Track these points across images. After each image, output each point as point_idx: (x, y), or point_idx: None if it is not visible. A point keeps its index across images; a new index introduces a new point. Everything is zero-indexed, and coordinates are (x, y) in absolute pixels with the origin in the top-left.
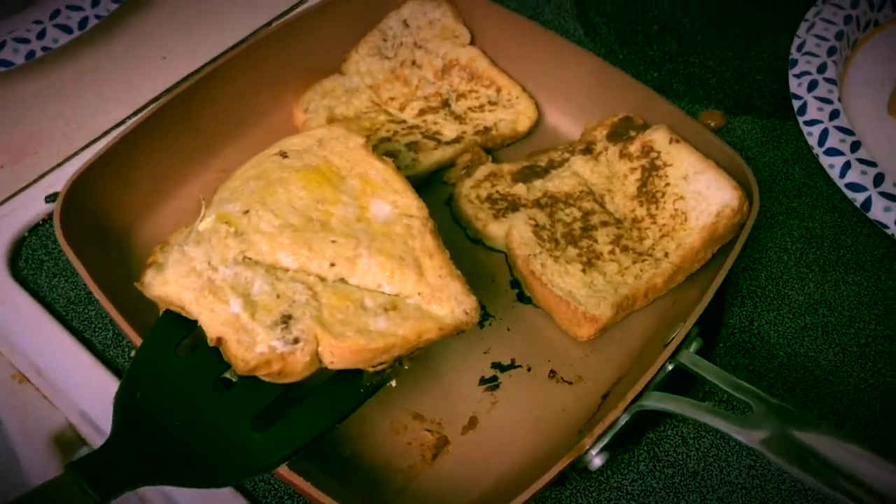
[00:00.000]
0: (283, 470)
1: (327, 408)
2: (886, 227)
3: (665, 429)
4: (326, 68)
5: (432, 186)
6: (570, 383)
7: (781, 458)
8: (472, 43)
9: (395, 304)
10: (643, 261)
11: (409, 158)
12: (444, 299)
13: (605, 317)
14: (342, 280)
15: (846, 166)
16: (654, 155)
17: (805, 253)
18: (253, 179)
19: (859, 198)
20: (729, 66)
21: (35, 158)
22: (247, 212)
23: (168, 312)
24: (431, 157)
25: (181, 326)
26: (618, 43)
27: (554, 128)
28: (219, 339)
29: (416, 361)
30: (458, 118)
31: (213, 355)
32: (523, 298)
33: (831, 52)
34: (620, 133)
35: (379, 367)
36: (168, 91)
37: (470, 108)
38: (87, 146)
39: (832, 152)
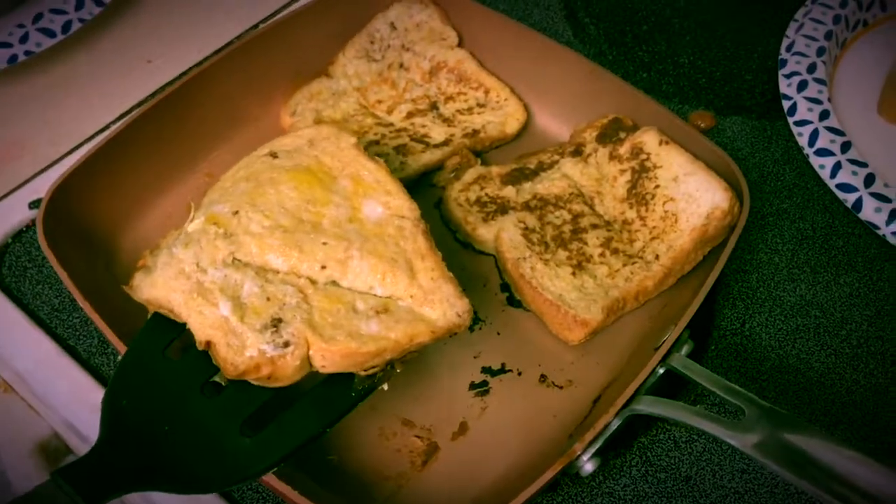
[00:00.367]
0: (270, 478)
1: (317, 412)
2: (877, 227)
3: (657, 433)
4: (313, 71)
5: (421, 190)
6: (561, 388)
7: (774, 462)
8: (460, 45)
9: (386, 306)
10: (633, 263)
11: (398, 162)
12: (436, 302)
13: (595, 320)
14: (333, 282)
15: (837, 167)
16: (643, 157)
17: (796, 254)
18: (243, 180)
19: (850, 198)
20: (718, 67)
21: (19, 164)
22: (236, 213)
23: (156, 315)
24: (420, 161)
25: (170, 329)
26: (607, 44)
27: (543, 130)
28: (208, 343)
29: (407, 366)
30: (447, 121)
31: (202, 359)
32: (513, 302)
33: (820, 52)
34: (610, 135)
35: (370, 371)
36: (154, 95)
37: (458, 111)
38: (71, 151)
39: (822, 153)
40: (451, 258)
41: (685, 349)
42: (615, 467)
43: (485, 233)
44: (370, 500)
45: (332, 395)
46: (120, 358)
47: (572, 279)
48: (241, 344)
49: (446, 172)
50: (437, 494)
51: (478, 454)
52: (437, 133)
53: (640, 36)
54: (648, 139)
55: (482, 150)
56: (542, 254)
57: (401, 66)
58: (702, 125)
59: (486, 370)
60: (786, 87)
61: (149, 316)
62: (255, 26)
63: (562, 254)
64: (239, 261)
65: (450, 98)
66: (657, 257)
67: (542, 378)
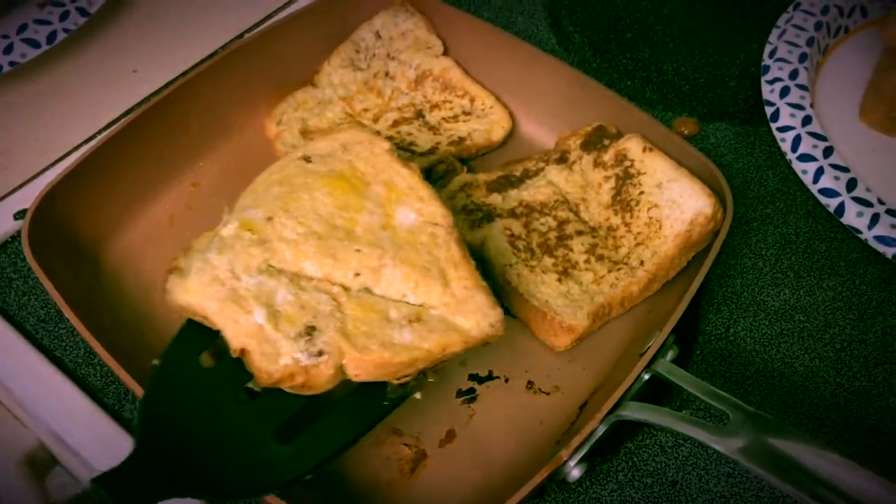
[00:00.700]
0: None
1: (350, 420)
2: (860, 231)
3: (643, 438)
4: (299, 80)
5: None
6: (548, 394)
7: (759, 467)
8: (446, 53)
9: (419, 315)
10: (619, 269)
11: None
12: (469, 311)
13: (581, 326)
14: (367, 290)
15: (819, 172)
16: (627, 163)
17: (780, 259)
18: (276, 185)
19: (832, 203)
20: (702, 74)
21: (4, 174)
22: (270, 219)
23: (190, 322)
24: None
25: (203, 336)
26: (591, 51)
27: (528, 137)
28: (242, 351)
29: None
30: (433, 129)
31: (236, 366)
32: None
33: (803, 58)
34: (594, 142)
35: (403, 380)
36: (139, 105)
37: (444, 119)
38: (57, 161)
39: (805, 158)
40: None
41: (670, 354)
42: (602, 473)
43: (471, 240)
44: None
45: (365, 404)
46: (154, 364)
47: (558, 285)
48: (275, 352)
49: (432, 180)
50: (425, 501)
51: (465, 461)
52: (423, 141)
53: (624, 43)
54: (632, 146)
55: (468, 158)
56: (528, 261)
57: (386, 74)
58: (685, 131)
59: (473, 377)
60: (768, 93)
61: (182, 322)
62: (241, 36)
63: (547, 260)
64: (273, 267)
65: (435, 106)
66: (642, 263)
67: (529, 384)
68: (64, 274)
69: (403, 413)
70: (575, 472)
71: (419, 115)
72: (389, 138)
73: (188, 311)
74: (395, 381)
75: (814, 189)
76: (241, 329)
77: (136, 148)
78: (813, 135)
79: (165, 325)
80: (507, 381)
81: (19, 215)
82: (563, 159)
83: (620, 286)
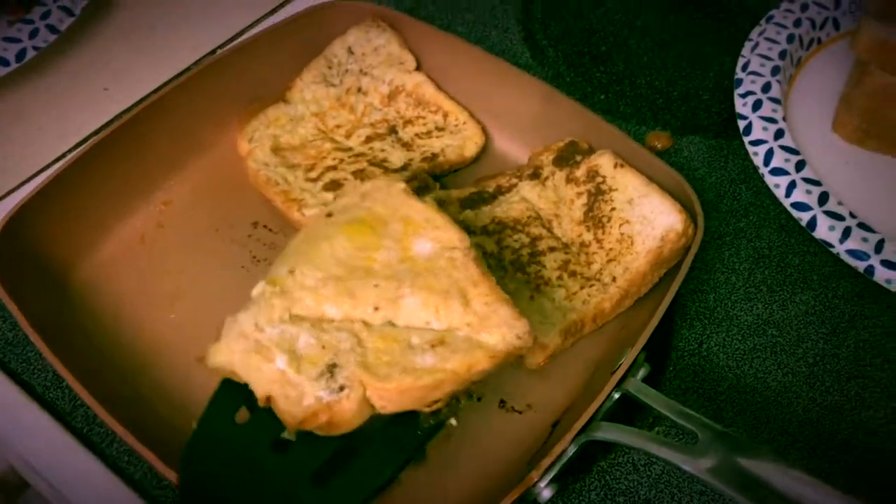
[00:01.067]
0: None
1: (386, 455)
2: (831, 245)
3: (616, 456)
4: (271, 96)
5: None
6: (520, 412)
7: (728, 487)
8: (419, 69)
9: (443, 339)
10: (591, 286)
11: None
12: (493, 326)
13: (553, 343)
14: (389, 323)
15: (791, 185)
16: (599, 179)
17: (753, 273)
18: (302, 242)
19: (804, 217)
20: (675, 87)
21: None
22: (292, 271)
23: (225, 382)
24: None
25: (237, 394)
26: (565, 66)
27: (501, 153)
28: (268, 398)
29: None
30: (406, 145)
31: (269, 418)
32: None
33: (775, 71)
34: (566, 158)
35: (434, 407)
36: (110, 123)
37: (417, 135)
38: (26, 181)
39: (777, 172)
40: None
41: (641, 372)
42: (574, 492)
43: None
44: None
45: (398, 436)
46: (192, 427)
47: (530, 303)
48: (298, 394)
49: None
50: None
51: (437, 483)
52: (396, 157)
53: (598, 57)
54: (604, 162)
55: (441, 174)
56: (500, 278)
57: (359, 90)
58: (659, 145)
59: None
60: (741, 106)
61: (218, 384)
62: (213, 52)
63: (520, 277)
64: (295, 316)
65: (408, 122)
66: (614, 279)
67: (502, 403)
68: (32, 296)
69: None
70: (546, 493)
71: (392, 130)
72: (362, 154)
73: (220, 371)
74: (427, 409)
75: (786, 203)
76: (264, 377)
77: (106, 167)
78: (785, 148)
79: (134, 347)
80: (479, 399)
81: None
82: (535, 175)
83: (592, 303)
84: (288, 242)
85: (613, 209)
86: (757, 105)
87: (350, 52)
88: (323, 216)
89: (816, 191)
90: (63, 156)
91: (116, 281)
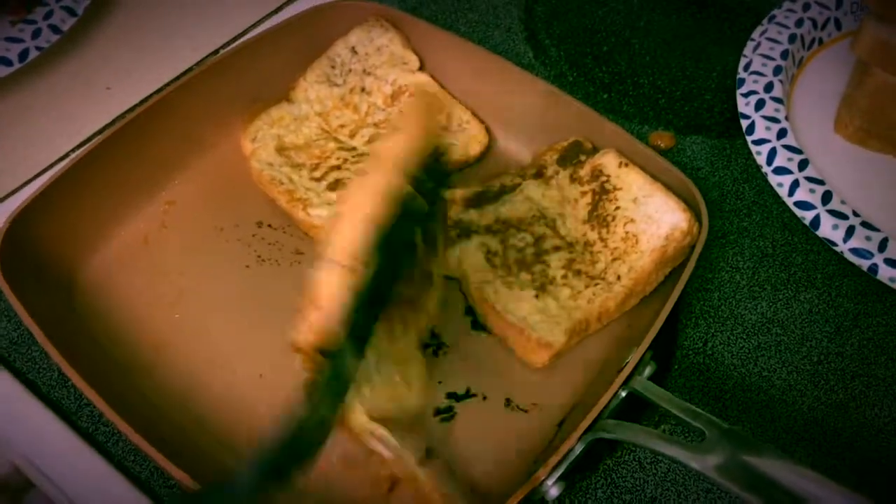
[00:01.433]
0: None
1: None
2: (835, 244)
3: (622, 455)
4: (274, 96)
5: None
6: (526, 411)
7: (734, 484)
8: (422, 69)
9: None
10: (596, 285)
11: None
12: None
13: (558, 343)
14: None
15: (794, 185)
16: (603, 179)
17: (757, 272)
18: None
19: (808, 216)
20: (678, 87)
21: None
22: None
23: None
24: None
25: None
26: (567, 65)
27: (505, 152)
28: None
29: None
30: None
31: None
32: (478, 326)
33: (777, 70)
34: (570, 157)
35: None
36: (113, 122)
37: None
38: (29, 181)
39: (780, 171)
40: None
41: (647, 371)
42: (581, 490)
43: (448, 257)
44: None
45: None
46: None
47: (535, 302)
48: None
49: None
50: None
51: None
52: None
53: (601, 57)
54: (608, 161)
55: None
56: (505, 277)
57: (362, 90)
58: (662, 145)
59: (451, 395)
60: (744, 105)
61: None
62: (216, 52)
63: (525, 276)
64: None
65: None
66: (619, 278)
67: (507, 402)
68: (36, 295)
69: None
70: (553, 491)
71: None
72: (366, 154)
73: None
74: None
75: (789, 202)
76: None
77: (109, 167)
78: (788, 147)
79: (139, 346)
80: (484, 398)
81: None
82: (539, 174)
83: (597, 302)
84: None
85: (618, 208)
86: (759, 105)
87: (353, 51)
88: None
89: (820, 190)
90: (66, 156)
91: (120, 281)
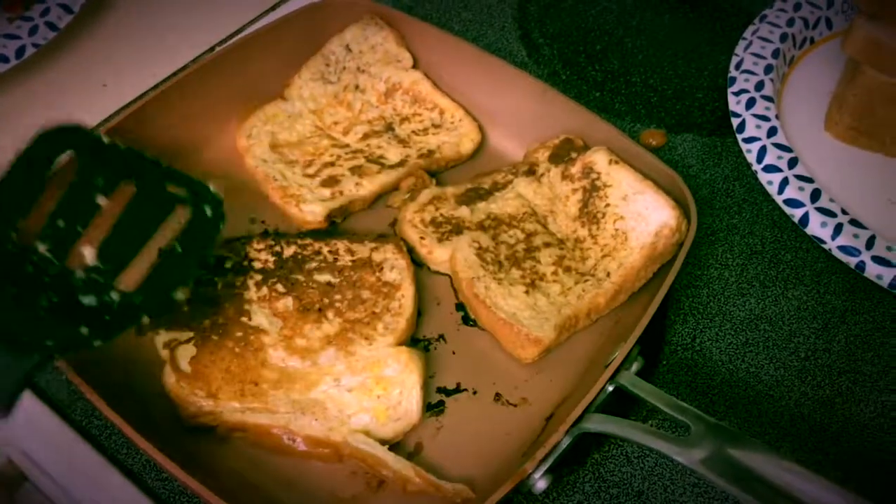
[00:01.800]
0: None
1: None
2: (823, 241)
3: (610, 449)
4: (269, 94)
5: (377, 210)
6: (515, 406)
7: (720, 478)
8: (415, 67)
9: None
10: (585, 281)
11: (353, 183)
12: None
13: (548, 338)
14: None
15: (784, 182)
16: (594, 176)
17: (746, 269)
18: None
19: (797, 213)
20: (670, 85)
21: None
22: None
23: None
24: (375, 181)
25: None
26: (560, 63)
27: (497, 150)
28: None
29: None
30: (402, 142)
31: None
32: (468, 321)
33: (768, 69)
34: (562, 155)
35: None
36: (109, 119)
37: (413, 132)
38: None
39: (770, 169)
40: None
41: (635, 366)
42: (568, 484)
43: (440, 253)
44: None
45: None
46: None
47: (525, 297)
48: None
49: (401, 194)
50: None
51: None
52: (393, 154)
53: (594, 55)
54: (598, 159)
55: (437, 171)
56: (495, 273)
57: (356, 87)
58: (653, 143)
59: (441, 390)
60: (735, 104)
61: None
62: (212, 49)
63: (515, 273)
64: None
65: (405, 119)
66: (608, 275)
67: (497, 396)
68: None
69: None
70: (541, 484)
71: (389, 127)
72: (359, 151)
73: None
74: None
75: (779, 200)
76: None
77: None
78: (778, 146)
79: (133, 341)
80: (474, 393)
81: None
82: (531, 172)
83: (587, 298)
84: None
85: (608, 205)
86: (750, 103)
87: (348, 49)
88: None
89: (809, 188)
90: None
91: None
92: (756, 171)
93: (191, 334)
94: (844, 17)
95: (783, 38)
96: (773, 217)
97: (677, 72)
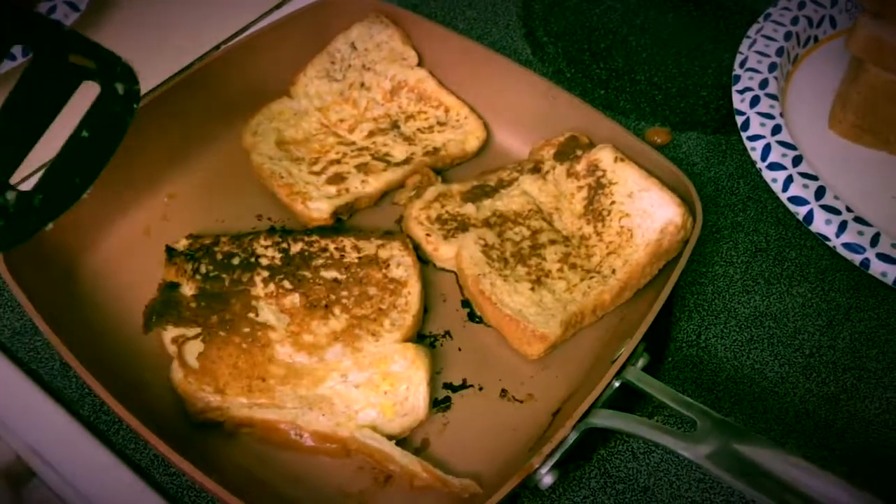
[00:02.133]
0: (230, 497)
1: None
2: (828, 239)
3: (616, 444)
4: (275, 91)
5: (383, 208)
6: (521, 402)
7: (726, 473)
8: (420, 64)
9: None
10: (591, 278)
11: (359, 180)
12: None
13: (553, 334)
14: None
15: (788, 180)
16: (599, 173)
17: (750, 266)
18: None
19: (801, 211)
20: (674, 83)
21: None
22: None
23: None
24: (381, 179)
25: None
26: (565, 62)
27: (502, 147)
28: None
29: None
30: (408, 139)
31: None
32: (474, 318)
33: (772, 68)
34: (567, 152)
35: None
36: None
37: (419, 129)
38: (32, 173)
39: (775, 167)
40: None
41: (641, 362)
42: (574, 479)
43: (446, 250)
44: None
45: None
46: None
47: (531, 294)
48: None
49: (407, 191)
50: None
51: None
52: (399, 151)
53: (598, 54)
54: (604, 156)
55: (443, 168)
56: (501, 270)
57: (362, 85)
58: (658, 141)
59: (447, 386)
60: (739, 102)
61: None
62: (217, 47)
63: (521, 269)
64: None
65: (410, 117)
66: (614, 272)
67: (503, 392)
68: (38, 286)
69: None
70: (547, 479)
71: (394, 125)
72: (365, 149)
73: None
74: None
75: (783, 197)
76: None
77: (112, 159)
78: (782, 144)
79: (140, 337)
80: (480, 389)
81: None
82: (536, 169)
83: (592, 294)
84: None
85: (613, 202)
86: (755, 101)
87: (353, 47)
88: None
89: (813, 185)
90: None
91: (122, 272)
92: (760, 169)
93: (198, 330)
94: (848, 16)
95: (787, 36)
96: (778, 214)
97: (682, 70)
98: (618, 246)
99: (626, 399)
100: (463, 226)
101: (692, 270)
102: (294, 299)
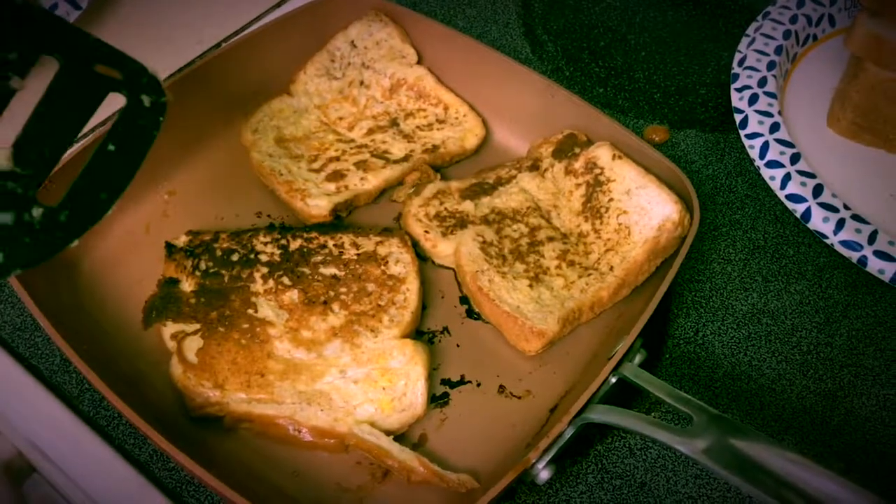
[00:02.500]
0: (231, 493)
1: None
2: (826, 236)
3: (613, 440)
4: (274, 89)
5: (381, 205)
6: (519, 398)
7: (722, 468)
8: (420, 62)
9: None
10: (589, 275)
11: (358, 178)
12: None
13: (551, 331)
14: None
15: (786, 178)
16: (597, 171)
17: (748, 263)
18: None
19: (799, 209)
20: (673, 81)
21: None
22: None
23: None
24: (380, 176)
25: None
26: (564, 60)
27: (501, 145)
28: None
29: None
30: (407, 137)
31: None
32: (472, 314)
33: (771, 66)
34: (565, 150)
35: None
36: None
37: (418, 127)
38: None
39: (773, 164)
40: None
41: (638, 358)
42: (571, 475)
43: (444, 247)
44: None
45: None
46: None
47: (529, 291)
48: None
49: (406, 188)
50: None
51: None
52: (398, 149)
53: (597, 52)
54: (602, 154)
55: (442, 166)
56: (499, 267)
57: (361, 83)
58: (656, 139)
59: (445, 382)
60: (738, 100)
61: None
62: (217, 45)
63: (519, 266)
64: None
65: (409, 114)
66: (611, 269)
67: (501, 388)
68: (40, 282)
69: None
70: (544, 474)
71: (393, 123)
72: (364, 146)
73: None
74: None
75: (781, 195)
76: None
77: None
78: (780, 142)
79: (140, 333)
80: (478, 385)
81: None
82: (535, 167)
83: (590, 291)
84: None
85: (611, 200)
86: (753, 99)
87: (352, 45)
88: None
89: (811, 183)
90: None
91: (122, 269)
92: (759, 167)
93: (198, 326)
94: (847, 14)
95: (786, 34)
96: (776, 212)
97: (680, 68)
98: (616, 243)
99: (624, 395)
100: (461, 223)
101: (690, 268)
102: (293, 295)
